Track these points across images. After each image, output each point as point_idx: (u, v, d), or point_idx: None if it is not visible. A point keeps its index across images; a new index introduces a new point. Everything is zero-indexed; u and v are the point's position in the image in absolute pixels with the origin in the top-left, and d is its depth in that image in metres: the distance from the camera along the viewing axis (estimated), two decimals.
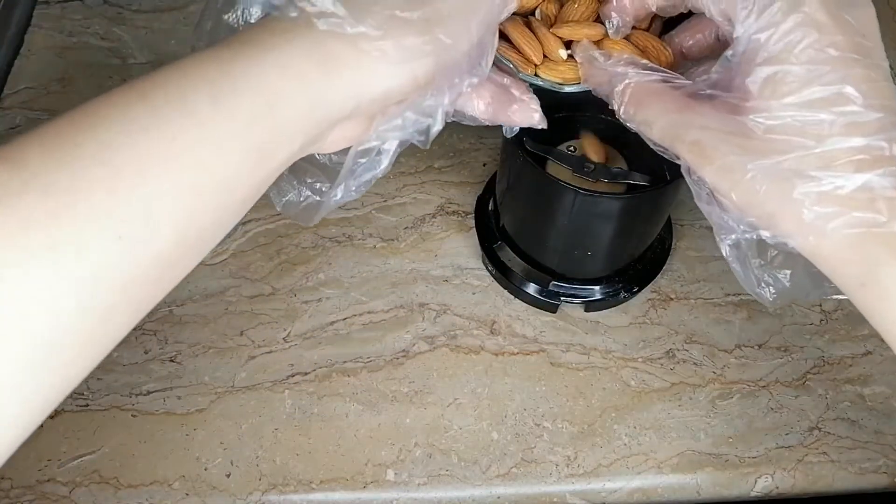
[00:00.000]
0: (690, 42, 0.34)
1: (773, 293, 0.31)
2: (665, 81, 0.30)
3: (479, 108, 0.33)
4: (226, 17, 0.28)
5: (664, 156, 0.31)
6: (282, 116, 0.25)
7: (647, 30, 0.36)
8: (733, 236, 0.30)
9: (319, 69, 0.25)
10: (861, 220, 0.26)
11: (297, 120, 0.26)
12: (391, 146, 0.30)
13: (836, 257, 0.27)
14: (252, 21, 0.28)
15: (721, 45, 0.33)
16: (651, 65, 0.31)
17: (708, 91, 0.29)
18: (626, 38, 0.35)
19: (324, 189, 0.31)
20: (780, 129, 0.26)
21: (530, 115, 0.34)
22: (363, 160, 0.30)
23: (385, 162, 0.30)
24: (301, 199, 0.31)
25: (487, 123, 0.34)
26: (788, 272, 0.31)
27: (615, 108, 0.32)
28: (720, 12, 0.29)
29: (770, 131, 0.27)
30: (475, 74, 0.30)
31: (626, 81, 0.31)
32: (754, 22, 0.27)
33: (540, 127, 0.35)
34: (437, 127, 0.30)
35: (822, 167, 0.26)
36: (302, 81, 0.25)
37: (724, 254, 0.31)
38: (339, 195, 0.31)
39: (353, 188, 0.31)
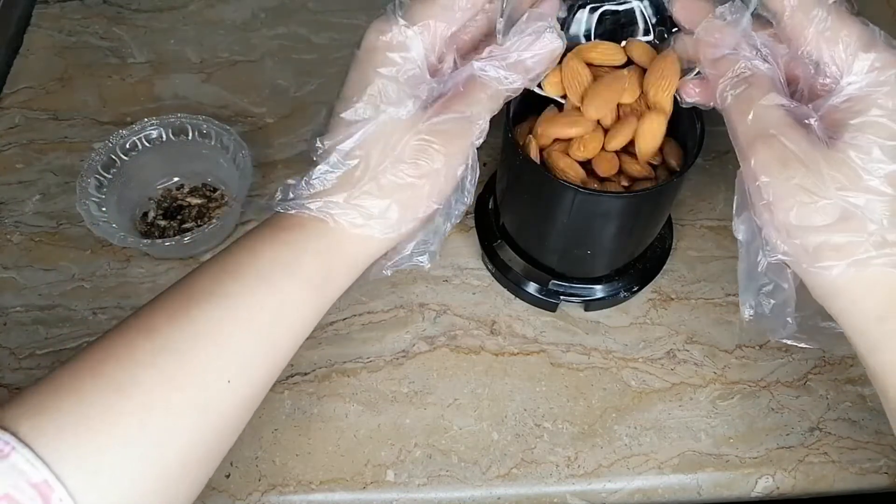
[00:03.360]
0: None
1: (751, 315, 0.35)
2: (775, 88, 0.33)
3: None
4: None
5: (733, 143, 0.33)
6: (333, 278, 0.33)
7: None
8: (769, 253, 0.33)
9: (355, 247, 0.34)
10: None
11: (342, 277, 0.34)
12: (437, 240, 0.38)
13: (864, 290, 0.30)
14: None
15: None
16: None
17: (806, 120, 0.32)
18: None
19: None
20: (865, 172, 0.29)
21: None
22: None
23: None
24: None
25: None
26: (773, 302, 0.34)
27: (717, 76, 0.33)
28: (832, 59, 0.31)
29: (857, 171, 0.29)
30: (463, 203, 0.37)
31: (750, 63, 0.33)
32: (865, 76, 0.31)
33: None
34: (435, 258, 0.37)
35: (891, 216, 0.30)
36: (345, 256, 0.33)
37: (741, 260, 0.34)
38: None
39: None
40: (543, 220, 0.44)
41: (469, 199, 0.37)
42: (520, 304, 0.50)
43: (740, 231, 0.34)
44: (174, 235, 0.51)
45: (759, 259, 0.33)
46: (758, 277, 0.34)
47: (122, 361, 0.28)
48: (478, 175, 0.36)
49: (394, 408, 0.46)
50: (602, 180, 0.43)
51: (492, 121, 0.35)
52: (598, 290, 0.49)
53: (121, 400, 0.27)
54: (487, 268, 0.51)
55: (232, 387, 0.30)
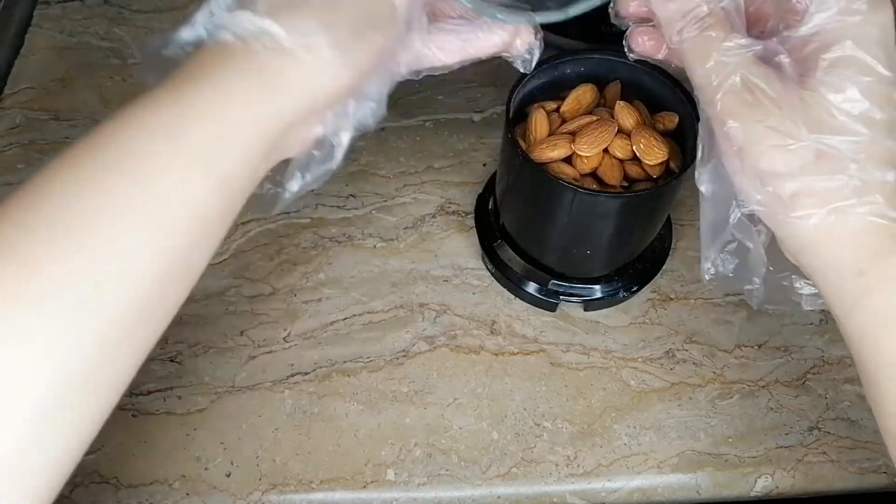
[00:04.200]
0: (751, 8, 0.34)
1: (712, 274, 0.33)
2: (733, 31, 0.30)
3: (439, 57, 0.36)
4: (165, 52, 0.29)
5: (695, 89, 0.31)
6: (236, 143, 0.27)
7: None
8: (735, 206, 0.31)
9: (265, 89, 0.27)
10: (887, 212, 0.27)
11: (252, 143, 0.27)
12: (344, 139, 0.32)
13: (844, 241, 0.28)
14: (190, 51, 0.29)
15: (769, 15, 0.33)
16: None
17: (777, 58, 0.30)
18: (628, 135, 0.42)
19: (282, 181, 0.33)
20: (840, 112, 0.28)
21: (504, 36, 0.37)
22: (317, 153, 0.32)
23: (339, 154, 0.33)
24: (263, 190, 0.32)
25: (458, 65, 0.37)
26: (736, 261, 0.32)
27: (674, 30, 0.31)
28: None
29: (830, 111, 0.28)
30: (409, 53, 0.33)
31: (705, 8, 0.30)
32: (835, 2, 0.28)
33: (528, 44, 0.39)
34: (381, 112, 0.32)
35: (866, 158, 0.27)
36: (249, 106, 0.27)
37: (704, 215, 0.32)
38: (295, 187, 0.33)
39: (311, 180, 0.33)
40: (543, 220, 0.44)
41: (383, 109, 0.33)
42: (520, 304, 0.50)
43: (703, 182, 0.32)
44: None
45: (730, 212, 0.31)
46: (722, 234, 0.32)
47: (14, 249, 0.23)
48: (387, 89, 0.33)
49: (394, 407, 0.46)
50: (602, 181, 0.43)
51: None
52: (598, 290, 0.49)
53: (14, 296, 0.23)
54: (487, 268, 0.51)
55: (130, 280, 0.25)
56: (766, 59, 0.29)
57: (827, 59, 0.28)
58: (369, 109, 0.32)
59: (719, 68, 0.29)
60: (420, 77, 0.36)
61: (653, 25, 0.35)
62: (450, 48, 0.36)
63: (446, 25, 0.36)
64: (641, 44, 0.36)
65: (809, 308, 0.33)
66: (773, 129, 0.28)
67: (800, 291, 0.33)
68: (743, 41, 0.29)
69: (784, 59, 0.29)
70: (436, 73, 0.37)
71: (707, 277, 0.33)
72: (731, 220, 0.32)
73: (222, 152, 0.26)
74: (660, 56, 0.35)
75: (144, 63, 0.30)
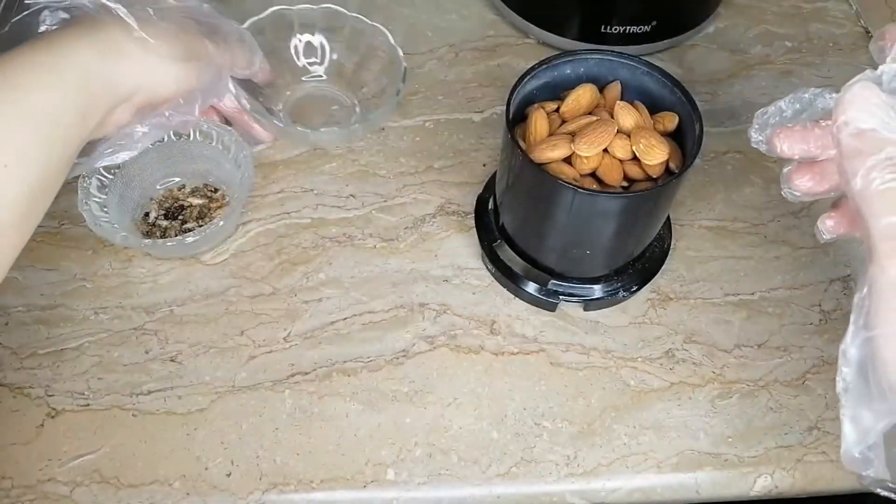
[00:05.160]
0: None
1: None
2: None
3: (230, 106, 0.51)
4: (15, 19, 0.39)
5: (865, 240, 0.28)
6: (95, 85, 0.36)
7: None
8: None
9: (103, 57, 0.37)
10: None
11: (103, 91, 0.37)
12: (149, 138, 0.44)
13: None
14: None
15: None
16: None
17: None
18: (628, 135, 0.43)
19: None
20: None
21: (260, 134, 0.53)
22: (122, 142, 0.43)
23: (139, 148, 0.44)
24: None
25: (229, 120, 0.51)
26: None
27: (862, 170, 0.28)
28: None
29: None
30: (217, 95, 0.48)
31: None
32: None
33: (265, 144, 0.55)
34: (190, 127, 0.48)
35: None
36: (86, 69, 0.36)
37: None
38: (98, 161, 0.43)
39: (108, 160, 0.43)
40: (543, 220, 0.44)
41: (195, 112, 0.45)
42: (519, 304, 0.50)
43: (849, 361, 0.27)
44: (175, 235, 0.51)
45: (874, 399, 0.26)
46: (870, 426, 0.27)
47: None
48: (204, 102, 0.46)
49: (394, 407, 0.46)
50: (602, 181, 0.43)
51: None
52: (598, 290, 0.49)
53: None
54: (487, 268, 0.51)
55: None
56: None
57: None
58: (181, 122, 0.44)
59: None
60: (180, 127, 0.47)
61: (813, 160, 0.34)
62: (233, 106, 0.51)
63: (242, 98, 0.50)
64: (802, 184, 0.34)
65: None
66: None
67: None
68: None
69: None
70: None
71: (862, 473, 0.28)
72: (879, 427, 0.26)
73: (55, 111, 0.35)
74: (821, 191, 0.34)
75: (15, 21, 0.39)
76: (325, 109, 0.58)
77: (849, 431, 0.27)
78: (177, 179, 0.54)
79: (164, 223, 0.52)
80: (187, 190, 0.54)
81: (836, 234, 0.35)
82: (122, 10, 0.37)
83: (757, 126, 0.36)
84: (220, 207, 0.53)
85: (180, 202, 0.53)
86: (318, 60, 0.59)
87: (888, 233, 0.26)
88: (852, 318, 0.27)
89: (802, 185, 0.34)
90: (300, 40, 0.58)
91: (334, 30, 0.58)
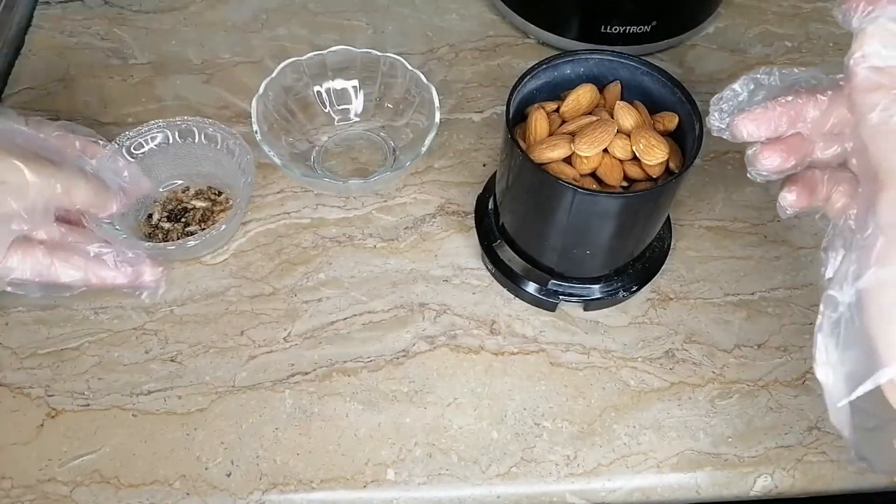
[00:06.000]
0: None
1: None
2: None
3: (62, 272, 0.43)
4: None
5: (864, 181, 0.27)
6: None
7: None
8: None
9: None
10: None
11: None
12: None
13: None
14: None
15: None
16: None
17: None
18: (628, 135, 0.42)
19: None
20: None
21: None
22: None
23: None
24: None
25: (81, 287, 0.44)
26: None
27: (877, 108, 0.27)
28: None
29: None
30: (29, 258, 0.41)
31: None
32: None
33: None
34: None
35: None
36: None
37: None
38: None
39: None
40: (543, 220, 0.44)
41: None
42: (519, 304, 0.50)
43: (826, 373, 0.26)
44: (178, 238, 0.51)
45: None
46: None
47: None
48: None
49: (394, 407, 0.46)
50: (602, 181, 0.43)
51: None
52: (597, 290, 0.49)
53: None
54: (487, 268, 0.51)
55: None
56: None
57: None
58: None
59: None
60: (38, 295, 0.43)
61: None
62: (76, 265, 0.43)
63: (80, 243, 0.44)
64: (770, 163, 0.33)
65: None
66: None
67: None
68: None
69: None
70: (62, 294, 0.44)
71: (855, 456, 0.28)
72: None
73: None
74: (788, 168, 0.33)
75: None
76: (357, 154, 0.57)
77: (828, 384, 0.27)
78: (180, 182, 0.54)
79: (167, 225, 0.52)
80: (191, 192, 0.54)
81: (798, 207, 0.35)
82: None
83: (716, 114, 0.36)
84: (223, 210, 0.53)
85: (183, 204, 0.53)
86: (349, 105, 0.58)
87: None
88: (852, 257, 0.26)
89: (770, 163, 0.34)
90: (332, 85, 0.57)
91: (367, 73, 0.57)
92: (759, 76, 0.35)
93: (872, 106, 0.27)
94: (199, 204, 0.53)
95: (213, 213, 0.53)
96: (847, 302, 0.25)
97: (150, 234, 0.52)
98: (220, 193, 0.54)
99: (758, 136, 0.34)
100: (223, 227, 0.48)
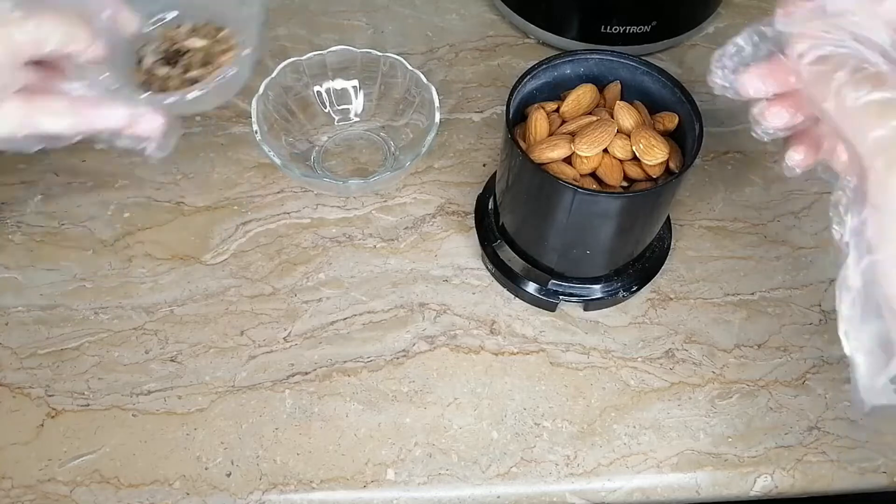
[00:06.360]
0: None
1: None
2: None
3: (46, 121, 0.36)
4: None
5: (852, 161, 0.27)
6: None
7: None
8: None
9: None
10: None
11: None
12: None
13: None
14: None
15: None
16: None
17: None
18: (628, 135, 0.42)
19: None
20: None
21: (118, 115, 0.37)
22: None
23: None
24: None
25: (74, 135, 0.38)
26: None
27: (829, 94, 0.27)
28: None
29: None
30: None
31: (869, 61, 0.26)
32: None
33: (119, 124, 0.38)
34: None
35: None
36: None
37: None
38: None
39: None
40: (543, 220, 0.44)
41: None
42: (519, 304, 0.50)
43: (853, 340, 0.25)
44: (180, 87, 0.41)
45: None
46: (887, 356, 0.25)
47: None
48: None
49: (394, 407, 0.46)
50: (602, 181, 0.43)
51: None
52: (598, 290, 0.49)
53: None
54: (487, 268, 0.51)
55: None
56: None
57: None
58: None
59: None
60: (37, 148, 0.37)
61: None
62: (58, 111, 0.36)
63: (60, 86, 0.36)
64: (778, 119, 0.32)
65: None
66: None
67: None
68: None
69: None
70: (57, 146, 0.38)
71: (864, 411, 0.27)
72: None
73: None
74: (797, 123, 0.32)
75: None
76: (357, 154, 0.57)
77: (861, 363, 0.26)
78: (172, 15, 0.44)
79: (163, 71, 0.42)
80: (184, 31, 0.44)
81: (805, 165, 0.34)
82: None
83: (718, 71, 0.34)
84: (227, 51, 0.43)
85: (177, 45, 0.43)
86: (349, 105, 0.57)
87: (877, 147, 0.25)
88: (851, 243, 0.26)
89: (778, 120, 0.32)
90: (332, 85, 0.56)
91: (367, 73, 0.56)
92: (763, 28, 0.32)
93: (824, 96, 0.27)
94: (198, 43, 0.43)
95: (214, 55, 0.43)
96: (858, 286, 0.26)
97: (144, 82, 0.43)
98: (220, 30, 0.44)
99: (765, 93, 0.32)
100: (232, 70, 0.40)
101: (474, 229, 0.52)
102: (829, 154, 0.33)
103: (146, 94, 0.39)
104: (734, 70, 0.33)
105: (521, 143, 0.44)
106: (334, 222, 0.53)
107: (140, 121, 0.38)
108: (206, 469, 0.43)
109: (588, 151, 0.41)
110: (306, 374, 0.47)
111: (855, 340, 0.26)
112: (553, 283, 0.48)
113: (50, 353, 0.47)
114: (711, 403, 0.47)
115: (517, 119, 0.45)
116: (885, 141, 0.24)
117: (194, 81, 0.41)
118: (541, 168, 0.41)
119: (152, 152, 0.39)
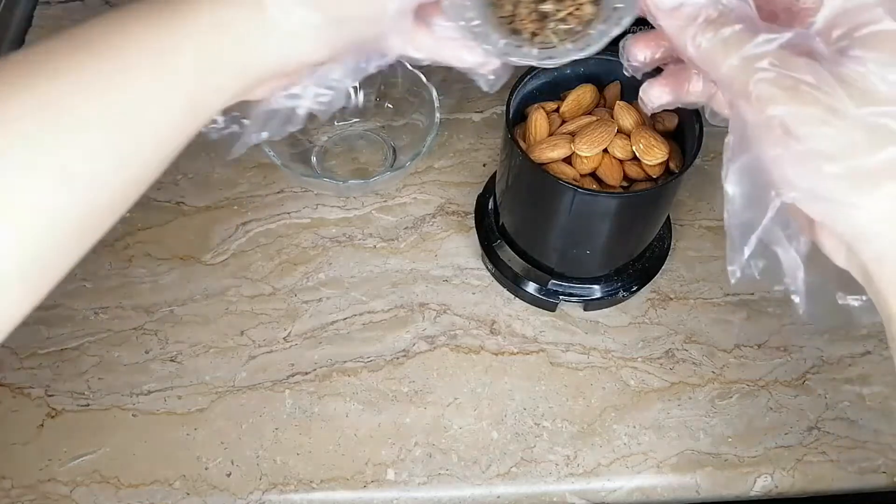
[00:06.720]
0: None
1: (738, 277, 0.31)
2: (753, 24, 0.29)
3: (410, 54, 0.35)
4: None
5: (721, 91, 0.30)
6: (219, 74, 0.28)
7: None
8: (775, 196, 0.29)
9: (256, 32, 0.28)
10: None
11: (232, 77, 0.28)
12: (303, 110, 0.33)
13: None
14: None
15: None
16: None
17: (807, 43, 0.28)
18: (628, 135, 0.42)
19: (244, 122, 0.34)
20: (886, 82, 0.26)
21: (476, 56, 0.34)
22: (279, 109, 0.33)
23: (300, 121, 0.33)
24: (223, 126, 0.33)
25: (430, 63, 0.36)
26: (762, 264, 0.31)
27: (679, 26, 0.30)
28: None
29: (875, 83, 0.26)
30: (384, 56, 0.33)
31: (715, 12, 0.29)
32: None
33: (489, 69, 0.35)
34: (339, 102, 0.33)
35: None
36: (240, 44, 0.28)
37: (731, 216, 0.30)
38: (253, 140, 0.34)
39: (267, 136, 0.34)
40: (543, 220, 0.44)
41: (382, 63, 0.33)
42: (519, 304, 0.50)
43: (730, 182, 0.29)
44: (560, 39, 0.33)
45: (753, 213, 0.29)
46: (749, 236, 0.30)
47: None
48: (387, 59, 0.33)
49: (394, 407, 0.46)
50: (602, 181, 0.43)
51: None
52: (598, 290, 0.49)
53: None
54: (487, 268, 0.51)
55: (69, 180, 0.25)
56: (793, 48, 0.28)
57: (860, 36, 0.27)
58: (327, 97, 0.32)
59: (748, 61, 0.28)
60: (382, 68, 0.35)
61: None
62: (424, 48, 0.35)
63: (431, 23, 0.35)
64: (660, 96, 0.34)
65: (865, 322, 0.31)
66: (816, 109, 0.26)
67: (851, 305, 0.31)
68: (768, 34, 0.28)
69: (816, 43, 0.28)
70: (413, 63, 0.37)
71: (733, 280, 0.31)
72: (764, 220, 0.29)
73: (203, 82, 0.28)
74: (681, 100, 0.34)
75: None
76: (357, 154, 0.57)
77: (731, 255, 0.30)
78: None
79: (531, 10, 0.32)
80: None
81: (661, 102, 0.35)
82: None
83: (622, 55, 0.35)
84: None
85: None
86: (349, 105, 0.57)
87: (731, 76, 0.28)
88: (725, 153, 0.30)
89: (656, 98, 0.34)
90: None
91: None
92: None
93: (684, 46, 0.30)
94: None
95: None
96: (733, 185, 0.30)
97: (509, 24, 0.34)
98: None
99: (651, 58, 0.34)
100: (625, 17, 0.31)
101: (474, 229, 0.52)
102: (705, 96, 0.35)
103: (520, 46, 0.32)
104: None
105: (521, 143, 0.44)
106: (334, 222, 0.53)
107: (487, 66, 0.35)
108: (206, 469, 0.43)
109: (588, 151, 0.41)
110: (306, 374, 0.47)
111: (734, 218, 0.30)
112: (553, 283, 0.48)
113: (50, 353, 0.47)
114: (711, 403, 0.47)
115: (517, 119, 0.45)
116: (732, 71, 0.28)
117: (563, 33, 0.33)
118: (541, 168, 0.41)
119: (487, 84, 0.36)
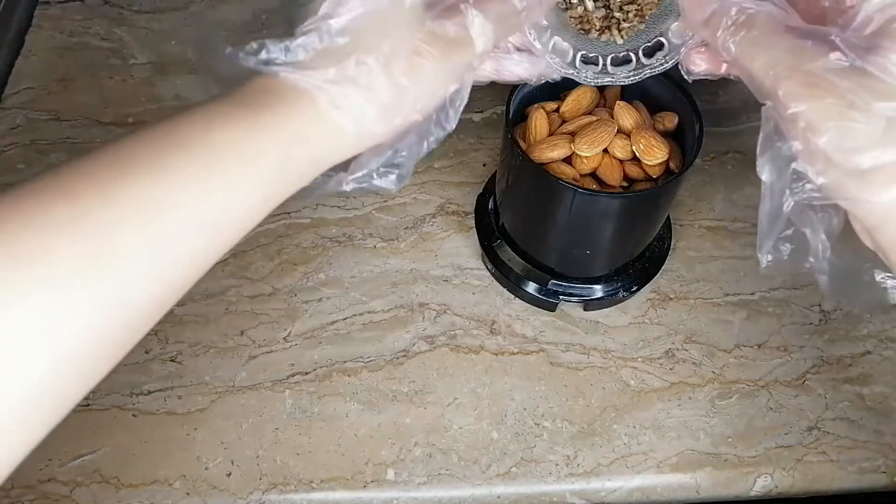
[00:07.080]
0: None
1: (770, 261, 0.32)
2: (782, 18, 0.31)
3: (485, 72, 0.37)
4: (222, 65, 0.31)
5: (753, 92, 0.31)
6: (292, 172, 0.30)
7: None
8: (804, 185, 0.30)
9: (323, 140, 0.30)
10: None
11: (301, 174, 0.31)
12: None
13: None
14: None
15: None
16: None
17: (833, 38, 0.29)
18: (628, 135, 0.42)
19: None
20: None
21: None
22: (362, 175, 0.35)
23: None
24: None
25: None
26: (791, 247, 0.32)
27: (713, 34, 0.31)
28: None
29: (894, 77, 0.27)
30: (443, 128, 0.34)
31: (743, 7, 0.31)
32: None
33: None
34: (404, 181, 0.34)
35: None
36: (310, 148, 0.30)
37: (763, 204, 0.31)
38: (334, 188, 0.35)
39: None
40: (543, 220, 0.44)
41: (452, 124, 0.33)
42: (519, 304, 0.50)
43: (764, 171, 0.31)
44: (624, 36, 0.36)
45: (784, 199, 0.31)
46: (780, 220, 0.31)
47: (33, 224, 0.23)
48: (465, 101, 0.33)
49: (394, 407, 0.46)
50: (602, 181, 0.43)
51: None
52: (598, 290, 0.49)
53: (25, 268, 0.23)
54: (487, 268, 0.51)
55: (154, 275, 0.26)
56: (818, 44, 0.29)
57: (892, 28, 0.27)
58: (393, 175, 0.34)
59: (774, 61, 0.29)
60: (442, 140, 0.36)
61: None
62: (483, 75, 0.38)
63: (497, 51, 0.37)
64: (699, 63, 0.36)
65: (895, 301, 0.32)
66: (838, 103, 0.27)
67: (882, 284, 0.32)
68: (791, 35, 0.29)
69: (836, 39, 0.28)
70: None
71: (765, 264, 0.32)
72: (784, 209, 0.31)
73: (278, 180, 0.29)
74: (721, 72, 0.35)
75: (203, 66, 0.30)
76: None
77: (762, 242, 0.32)
78: None
79: (600, 12, 0.35)
80: None
81: (701, 69, 0.36)
82: (308, 81, 0.29)
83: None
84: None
85: None
86: None
87: (760, 77, 0.30)
88: (759, 145, 0.31)
89: (696, 65, 0.35)
90: None
91: None
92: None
93: (722, 44, 0.31)
94: None
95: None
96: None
97: (581, 23, 0.36)
98: None
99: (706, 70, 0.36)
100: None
101: (474, 229, 0.52)
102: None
103: (585, 66, 0.35)
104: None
105: (521, 143, 0.44)
106: (334, 222, 0.53)
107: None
108: (206, 469, 0.43)
109: (588, 151, 0.41)
110: (306, 374, 0.47)
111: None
112: (553, 283, 0.48)
113: None
114: (711, 403, 0.47)
115: (517, 119, 0.45)
116: (759, 72, 0.30)
117: (627, 31, 0.36)
118: (541, 168, 0.41)
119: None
